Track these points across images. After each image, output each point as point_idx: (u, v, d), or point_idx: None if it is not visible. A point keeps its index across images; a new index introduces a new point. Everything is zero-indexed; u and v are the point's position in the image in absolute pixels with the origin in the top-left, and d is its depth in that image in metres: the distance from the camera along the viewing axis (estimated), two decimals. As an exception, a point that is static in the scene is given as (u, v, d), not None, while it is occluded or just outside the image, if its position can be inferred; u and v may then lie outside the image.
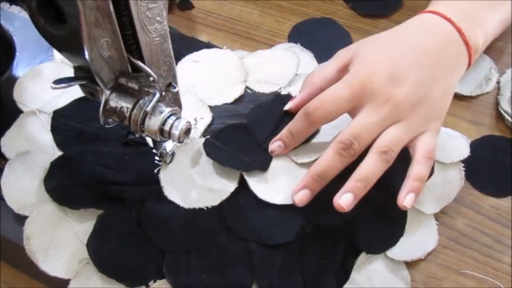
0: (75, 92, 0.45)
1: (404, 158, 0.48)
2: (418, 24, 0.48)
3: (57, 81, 0.37)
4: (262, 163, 0.46)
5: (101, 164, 0.45)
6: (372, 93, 0.43)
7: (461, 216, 0.48)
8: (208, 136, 0.47)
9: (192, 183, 0.45)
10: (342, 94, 0.44)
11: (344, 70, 0.46)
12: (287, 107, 0.48)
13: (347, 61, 0.47)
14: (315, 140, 0.47)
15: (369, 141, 0.43)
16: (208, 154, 0.45)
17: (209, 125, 0.49)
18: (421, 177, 0.43)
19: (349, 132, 0.43)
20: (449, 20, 0.47)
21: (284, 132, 0.46)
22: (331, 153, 0.43)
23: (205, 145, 0.46)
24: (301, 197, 0.43)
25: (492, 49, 0.59)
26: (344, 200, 0.42)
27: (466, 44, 0.47)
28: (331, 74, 0.47)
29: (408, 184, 0.43)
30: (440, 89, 0.45)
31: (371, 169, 0.43)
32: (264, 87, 0.53)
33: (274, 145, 0.46)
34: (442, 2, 0.50)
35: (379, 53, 0.46)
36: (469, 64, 0.48)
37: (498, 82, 0.57)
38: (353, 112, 0.45)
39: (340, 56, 0.48)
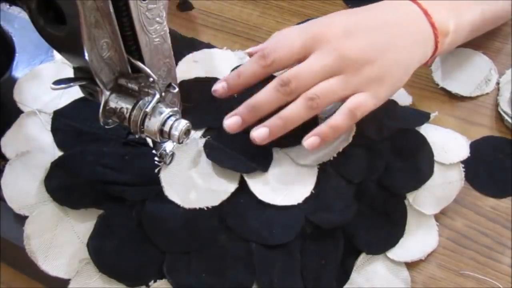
0: (75, 92, 0.45)
1: (404, 159, 0.48)
2: (384, 4, 0.49)
3: (57, 82, 0.37)
4: (262, 164, 0.46)
5: (102, 164, 0.45)
6: (322, 41, 0.44)
7: (461, 217, 0.48)
8: (208, 137, 0.47)
9: (193, 183, 0.45)
10: (295, 41, 0.45)
11: None
12: (248, 50, 0.49)
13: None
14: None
15: (307, 84, 0.43)
16: (209, 156, 0.45)
17: (208, 126, 0.49)
18: (332, 125, 0.43)
19: (290, 72, 0.44)
20: (415, 1, 0.48)
21: (231, 73, 0.46)
22: (269, 87, 0.44)
23: (205, 147, 0.46)
24: (231, 123, 0.44)
25: (491, 50, 0.59)
26: (259, 133, 0.43)
27: (432, 25, 0.47)
28: (296, 35, 0.47)
29: (318, 128, 0.44)
30: (395, 56, 0.45)
31: (293, 111, 0.43)
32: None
33: (218, 85, 0.46)
34: None
35: (339, 16, 0.47)
36: (437, 47, 0.48)
37: (497, 83, 0.57)
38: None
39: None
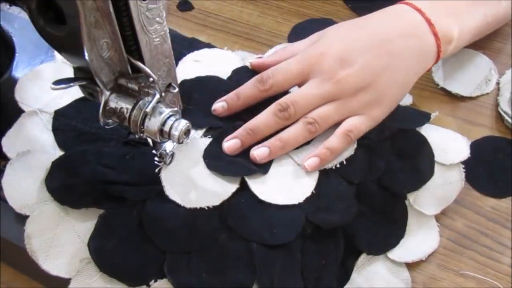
0: (76, 92, 0.45)
1: (405, 160, 0.48)
2: (387, 13, 0.49)
3: (57, 82, 0.37)
4: (262, 166, 0.46)
5: (102, 164, 0.45)
6: (319, 71, 0.46)
7: (461, 217, 0.48)
8: (208, 144, 0.47)
9: (193, 183, 0.45)
10: (292, 68, 0.47)
11: None
12: (249, 61, 0.51)
13: (315, 41, 0.49)
14: (316, 141, 0.47)
15: (305, 110, 0.45)
16: (209, 166, 0.45)
17: (210, 126, 0.49)
18: (330, 147, 0.45)
19: (288, 98, 0.45)
20: (419, 10, 0.48)
21: (230, 94, 0.48)
22: (268, 112, 0.46)
23: (205, 157, 0.46)
24: (231, 145, 0.46)
25: (491, 50, 0.59)
26: (259, 152, 0.45)
27: (435, 35, 0.47)
28: (298, 51, 0.49)
29: (317, 149, 0.45)
30: (391, 77, 0.46)
31: (292, 134, 0.45)
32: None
33: (218, 105, 0.48)
34: None
35: (338, 36, 0.48)
36: (439, 55, 0.49)
37: (497, 83, 0.57)
38: (301, 86, 0.47)
39: (312, 37, 0.50)
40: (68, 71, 0.53)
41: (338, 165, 0.46)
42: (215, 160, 0.46)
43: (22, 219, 0.44)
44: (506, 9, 0.56)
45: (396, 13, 0.49)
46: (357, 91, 0.45)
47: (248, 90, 0.47)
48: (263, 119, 0.45)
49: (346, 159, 0.46)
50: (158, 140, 0.38)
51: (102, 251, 0.42)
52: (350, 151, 0.47)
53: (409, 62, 0.47)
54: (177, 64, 0.53)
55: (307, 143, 0.47)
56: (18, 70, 0.55)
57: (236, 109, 0.48)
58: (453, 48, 0.50)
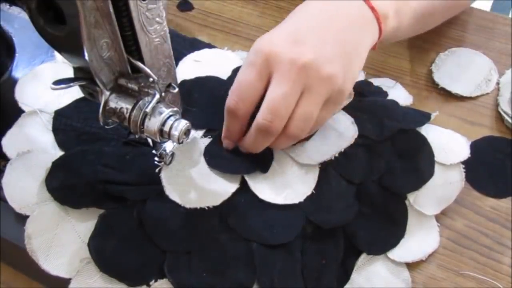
0: (76, 92, 0.45)
1: (405, 160, 0.48)
2: None
3: (57, 82, 0.37)
4: (262, 165, 0.46)
5: (102, 164, 0.46)
6: (276, 59, 0.41)
7: (461, 217, 0.48)
8: (208, 143, 0.47)
9: (193, 183, 0.45)
10: (250, 76, 0.41)
11: None
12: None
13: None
14: (316, 139, 0.47)
15: (288, 113, 0.41)
16: (209, 163, 0.45)
17: (210, 127, 0.49)
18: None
19: (267, 111, 0.41)
20: None
21: (224, 133, 0.46)
22: (254, 134, 0.43)
23: (205, 154, 0.46)
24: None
25: (491, 50, 0.59)
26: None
27: (372, 9, 0.44)
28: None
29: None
30: (344, 56, 0.42)
31: (282, 145, 0.45)
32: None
33: (224, 144, 0.46)
34: None
35: (278, 28, 0.44)
36: (381, 30, 0.45)
37: (497, 83, 0.57)
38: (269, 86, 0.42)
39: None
40: (68, 71, 0.52)
41: (337, 163, 0.46)
42: (216, 157, 0.46)
43: (22, 219, 0.44)
44: None
45: None
46: (322, 65, 0.41)
47: (230, 129, 0.45)
48: (253, 142, 0.43)
49: (346, 159, 0.46)
50: (158, 140, 0.39)
51: (102, 251, 0.42)
52: (349, 142, 0.46)
53: (354, 38, 0.43)
54: (177, 64, 0.53)
55: (307, 139, 0.47)
56: (18, 70, 0.55)
57: (239, 140, 0.46)
58: (394, 26, 0.47)
